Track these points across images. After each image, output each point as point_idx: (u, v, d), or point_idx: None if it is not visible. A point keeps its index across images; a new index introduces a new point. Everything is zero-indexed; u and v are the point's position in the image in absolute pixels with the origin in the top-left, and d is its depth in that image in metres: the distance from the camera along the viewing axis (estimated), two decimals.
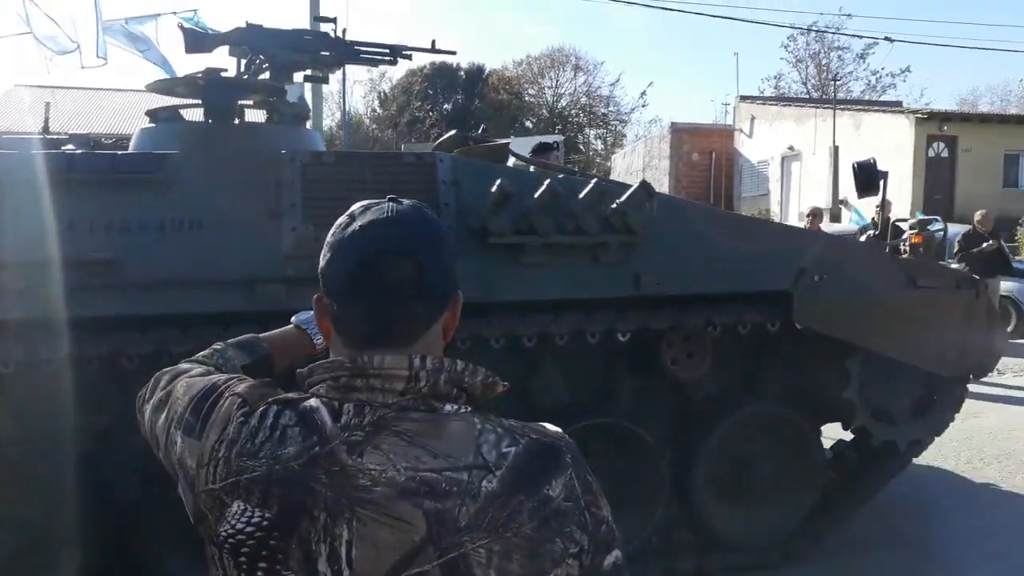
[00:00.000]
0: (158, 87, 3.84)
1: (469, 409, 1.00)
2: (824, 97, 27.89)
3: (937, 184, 20.09)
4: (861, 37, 31.27)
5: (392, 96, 36.34)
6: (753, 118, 26.61)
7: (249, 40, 3.79)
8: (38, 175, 3.11)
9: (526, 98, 38.36)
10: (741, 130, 27.09)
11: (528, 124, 36.49)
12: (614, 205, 3.47)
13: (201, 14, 7.90)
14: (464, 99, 40.76)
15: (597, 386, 3.90)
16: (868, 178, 3.83)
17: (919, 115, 20.85)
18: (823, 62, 35.34)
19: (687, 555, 3.87)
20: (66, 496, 3.12)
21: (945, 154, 20.42)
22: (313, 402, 0.99)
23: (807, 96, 32.60)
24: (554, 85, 38.61)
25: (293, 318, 1.55)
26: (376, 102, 37.82)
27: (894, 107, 25.67)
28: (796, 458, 3.96)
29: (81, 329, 3.01)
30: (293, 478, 0.93)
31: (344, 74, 23.41)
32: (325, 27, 3.87)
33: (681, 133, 27.33)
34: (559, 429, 1.03)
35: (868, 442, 4.02)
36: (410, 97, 35.56)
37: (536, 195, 3.39)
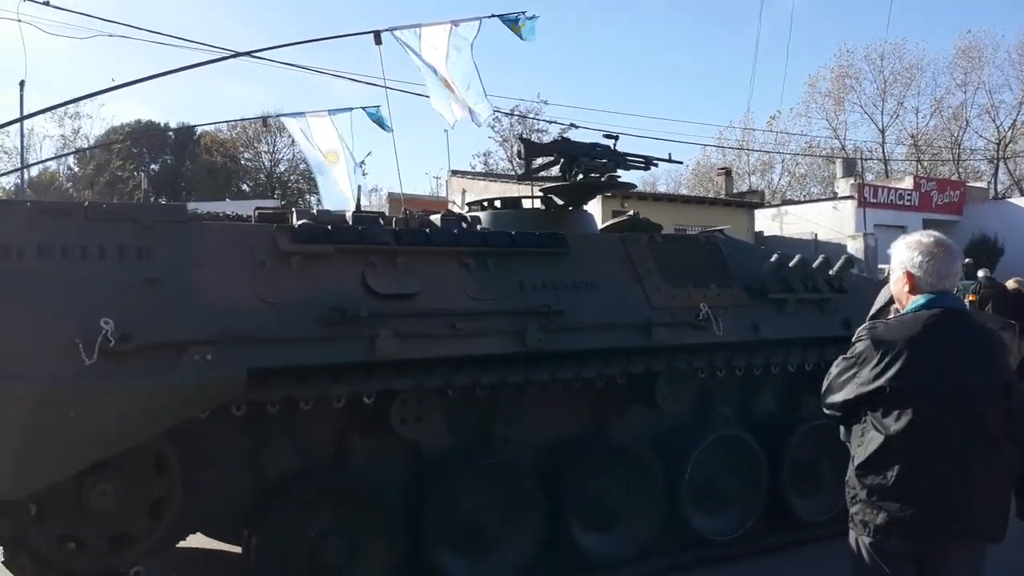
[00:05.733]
0: (553, 190, 5.32)
1: None
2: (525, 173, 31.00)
3: None
4: (551, 122, 34.42)
5: (90, 154, 33.63)
6: (464, 191, 29.71)
7: (564, 149, 5.16)
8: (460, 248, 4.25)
9: (242, 161, 37.17)
10: (454, 202, 29.88)
11: (245, 188, 35.52)
12: (832, 271, 5.15)
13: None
14: (174, 160, 38.46)
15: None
16: None
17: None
18: None
19: None
20: None
21: None
22: None
23: (512, 172, 35.92)
24: (271, 150, 37.71)
25: None
26: (72, 159, 35.12)
27: None
28: None
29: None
30: None
31: (22, 129, 22.60)
32: (607, 141, 5.30)
33: (398, 203, 29.26)
34: None
35: None
36: (111, 156, 33.15)
37: (791, 264, 5.00)
